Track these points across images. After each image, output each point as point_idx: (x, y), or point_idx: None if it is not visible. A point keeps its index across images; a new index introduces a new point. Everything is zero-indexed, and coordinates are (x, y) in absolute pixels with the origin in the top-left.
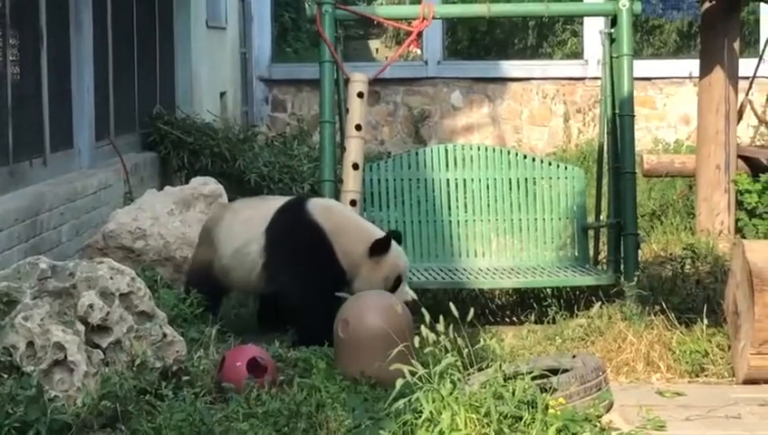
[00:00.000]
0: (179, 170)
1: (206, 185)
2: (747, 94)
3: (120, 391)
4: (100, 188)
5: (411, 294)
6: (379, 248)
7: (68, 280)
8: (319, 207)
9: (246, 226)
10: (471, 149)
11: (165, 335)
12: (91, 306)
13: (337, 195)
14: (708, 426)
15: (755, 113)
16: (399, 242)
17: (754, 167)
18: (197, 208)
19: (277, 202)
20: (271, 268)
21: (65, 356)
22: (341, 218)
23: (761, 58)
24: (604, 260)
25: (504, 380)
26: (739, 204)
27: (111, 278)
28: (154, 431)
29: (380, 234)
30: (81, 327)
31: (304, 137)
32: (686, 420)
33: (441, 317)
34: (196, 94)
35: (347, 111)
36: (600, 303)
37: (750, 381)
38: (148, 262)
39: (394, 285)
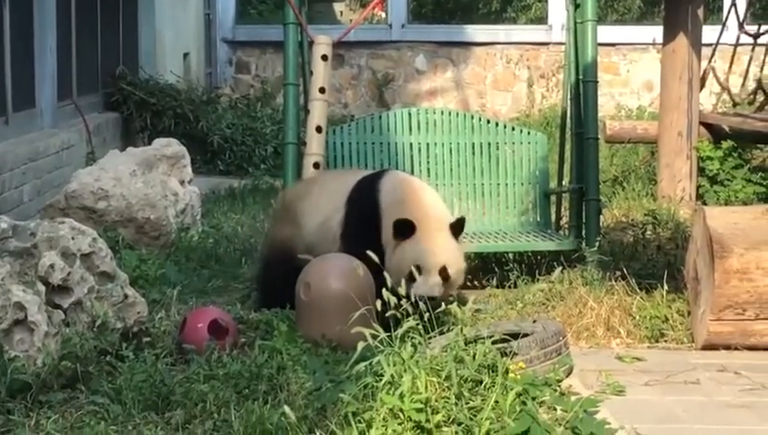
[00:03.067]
0: (142, 131)
1: (169, 146)
2: (710, 61)
3: (81, 352)
4: (62, 149)
5: (424, 292)
6: (398, 230)
7: (29, 240)
8: (390, 182)
9: (331, 197)
10: (434, 113)
11: (126, 296)
12: (52, 266)
13: (300, 158)
14: (667, 391)
15: (718, 81)
16: (459, 231)
17: (716, 134)
18: (160, 170)
19: (363, 173)
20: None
21: (26, 316)
22: (403, 196)
23: (724, 25)
24: (566, 225)
25: (465, 344)
26: (701, 171)
27: (73, 238)
28: (114, 392)
29: (428, 216)
30: (42, 287)
31: (268, 99)
32: (646, 384)
33: (403, 281)
34: (160, 55)
35: (311, 73)
36: (561, 268)
37: (709, 347)
38: (110, 223)
39: (411, 276)
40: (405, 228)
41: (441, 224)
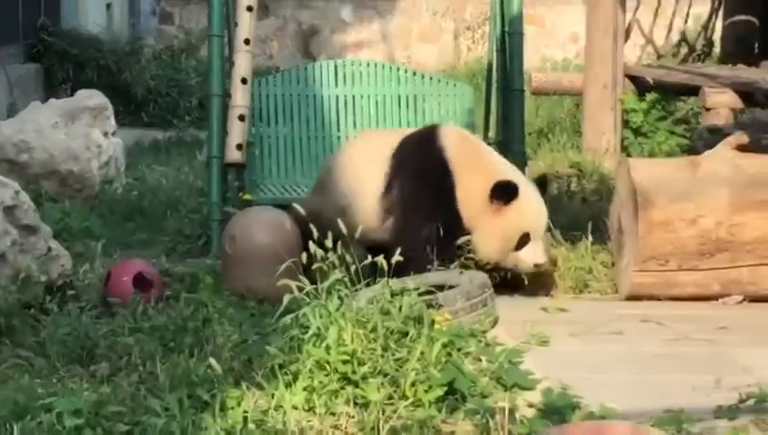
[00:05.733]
0: (64, 83)
1: (92, 98)
2: (635, 14)
3: (4, 305)
4: None
5: (538, 260)
6: (501, 193)
7: None
8: (452, 134)
9: (372, 155)
10: (360, 65)
11: (50, 249)
12: None
13: (225, 109)
14: (591, 341)
15: (642, 33)
16: (543, 193)
17: (641, 86)
18: (83, 121)
19: (408, 130)
20: (386, 199)
21: None
22: (474, 152)
23: None
24: None
25: (391, 296)
26: (625, 123)
27: None
28: (39, 345)
29: (513, 177)
30: None
31: (192, 50)
32: (570, 335)
33: (329, 233)
34: (82, 5)
35: (235, 24)
36: None
37: (633, 298)
38: (33, 175)
39: (519, 244)
40: (509, 190)
41: (529, 182)
